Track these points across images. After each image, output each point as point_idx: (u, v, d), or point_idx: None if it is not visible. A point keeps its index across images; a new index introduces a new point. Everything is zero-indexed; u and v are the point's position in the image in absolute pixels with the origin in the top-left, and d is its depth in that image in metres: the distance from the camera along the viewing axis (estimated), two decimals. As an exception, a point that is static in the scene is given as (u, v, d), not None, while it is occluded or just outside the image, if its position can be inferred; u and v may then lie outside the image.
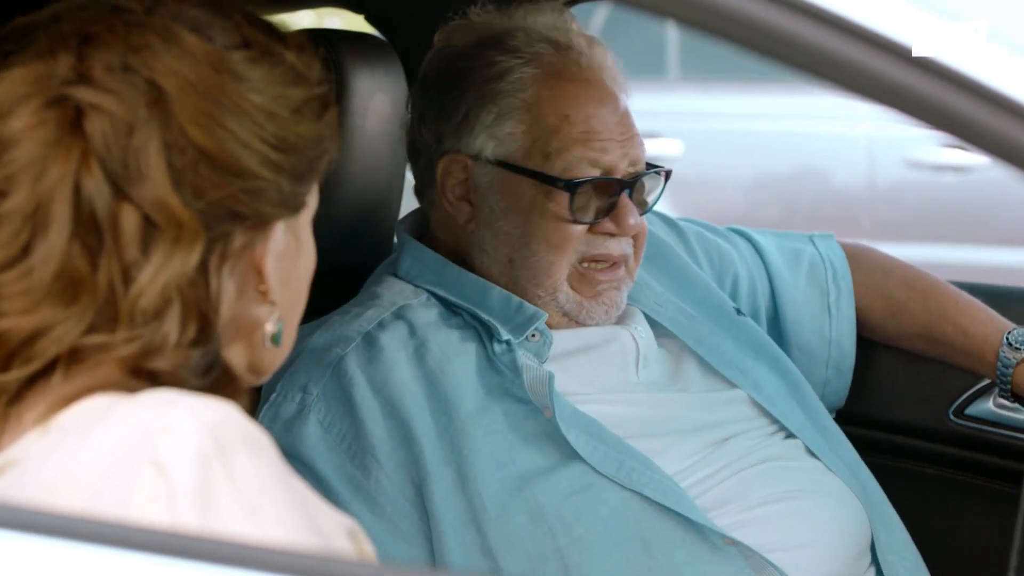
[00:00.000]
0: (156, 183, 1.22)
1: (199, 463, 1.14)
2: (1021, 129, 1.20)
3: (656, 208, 2.38)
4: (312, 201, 1.36)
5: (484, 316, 2.02)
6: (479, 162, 2.04)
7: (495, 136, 2.03)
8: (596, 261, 2.05)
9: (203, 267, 1.25)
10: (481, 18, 2.09)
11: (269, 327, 1.33)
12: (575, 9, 2.60)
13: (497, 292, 2.04)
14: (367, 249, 2.23)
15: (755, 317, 2.30)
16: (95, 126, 1.23)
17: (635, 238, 2.06)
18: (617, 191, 2.02)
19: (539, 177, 2.01)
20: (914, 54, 1.20)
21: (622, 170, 2.02)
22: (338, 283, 2.21)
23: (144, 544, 1.11)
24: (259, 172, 1.27)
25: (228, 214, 1.26)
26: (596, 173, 2.00)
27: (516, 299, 2.03)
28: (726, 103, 6.56)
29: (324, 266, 2.29)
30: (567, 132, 2.00)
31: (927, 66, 1.20)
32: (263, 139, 1.27)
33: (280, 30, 1.32)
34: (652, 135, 6.20)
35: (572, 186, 2.00)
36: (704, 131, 6.48)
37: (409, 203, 2.24)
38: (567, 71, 2.02)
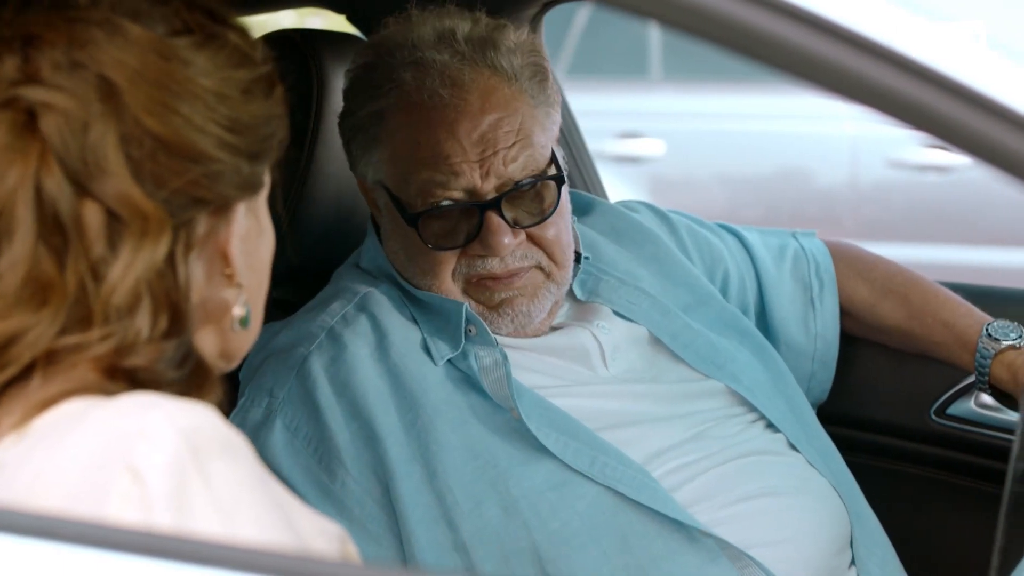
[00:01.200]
0: (117, 177, 1.22)
1: (174, 469, 1.14)
2: (1002, 130, 1.20)
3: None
4: (268, 181, 1.36)
5: (425, 334, 2.02)
6: (373, 185, 2.07)
7: (370, 164, 2.05)
8: (485, 277, 2.03)
9: (170, 257, 1.24)
10: (386, 33, 2.07)
11: (237, 310, 1.32)
12: (557, 9, 2.60)
13: (423, 294, 2.05)
14: (347, 247, 2.23)
15: (744, 313, 2.30)
16: (50, 125, 1.22)
17: (541, 244, 2.03)
18: (479, 213, 1.99)
19: (398, 206, 2.02)
20: (895, 55, 1.20)
21: (489, 189, 1.99)
22: (318, 281, 2.21)
23: (125, 544, 1.11)
24: (217, 155, 1.27)
25: (191, 201, 1.26)
26: (456, 195, 1.98)
27: (436, 296, 2.03)
28: (709, 103, 6.56)
29: (304, 264, 2.29)
30: (417, 158, 1.99)
31: (908, 67, 1.20)
32: (217, 122, 1.27)
33: (220, 13, 1.31)
34: (634, 135, 6.20)
35: (413, 219, 2.00)
36: (687, 131, 6.48)
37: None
38: (420, 96, 1.99)
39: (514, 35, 2.06)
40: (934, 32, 1.22)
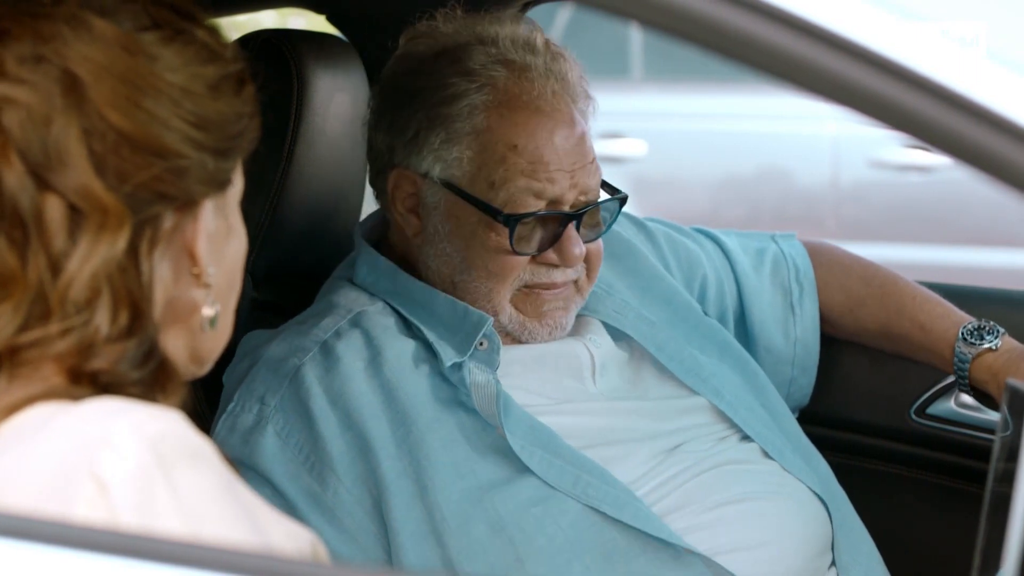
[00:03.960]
0: (78, 170, 1.22)
1: (140, 477, 1.13)
2: (982, 130, 1.20)
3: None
4: (238, 180, 1.35)
5: (430, 337, 2.00)
6: (427, 180, 2.01)
7: (442, 159, 1.99)
8: (540, 287, 2.03)
9: (133, 252, 1.24)
10: (448, 26, 2.03)
11: (207, 311, 1.32)
12: (538, 9, 2.60)
13: (443, 299, 2.02)
14: (328, 250, 2.23)
15: (723, 319, 2.29)
16: (12, 119, 1.22)
17: (587, 261, 2.04)
18: (562, 223, 1.99)
19: (481, 206, 1.98)
20: (875, 56, 1.20)
21: (570, 200, 1.98)
22: (299, 283, 2.21)
23: (93, 544, 1.10)
24: (182, 151, 1.26)
25: (155, 196, 1.26)
26: (541, 204, 1.97)
27: (461, 305, 2.01)
28: (690, 103, 6.57)
29: (285, 266, 2.29)
30: (514, 162, 1.96)
31: (888, 67, 1.20)
32: (182, 118, 1.27)
33: (188, 9, 1.31)
34: (616, 135, 6.20)
35: (512, 220, 1.97)
36: (668, 131, 6.49)
37: (370, 203, 2.23)
38: (520, 99, 1.97)
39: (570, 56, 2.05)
40: (913, 32, 1.22)
